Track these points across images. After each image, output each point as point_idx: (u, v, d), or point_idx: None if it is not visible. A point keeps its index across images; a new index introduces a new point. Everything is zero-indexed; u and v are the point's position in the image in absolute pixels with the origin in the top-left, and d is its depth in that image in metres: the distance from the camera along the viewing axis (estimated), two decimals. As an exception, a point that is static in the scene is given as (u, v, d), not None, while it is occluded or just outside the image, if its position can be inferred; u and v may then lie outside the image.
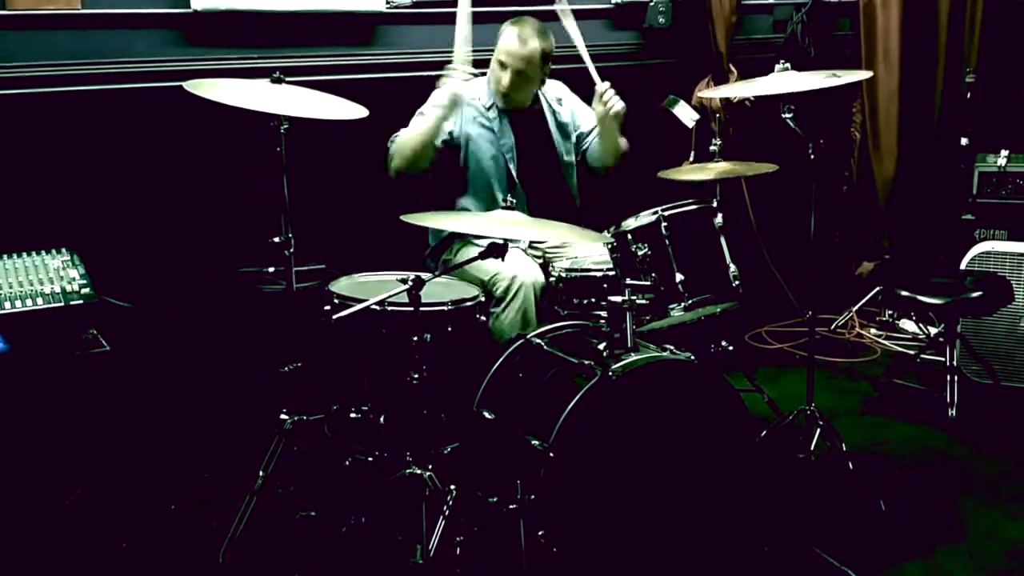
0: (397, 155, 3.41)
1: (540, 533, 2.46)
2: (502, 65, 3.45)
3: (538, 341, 2.89)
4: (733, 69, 4.69)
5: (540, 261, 3.48)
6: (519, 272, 3.22)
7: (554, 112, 3.66)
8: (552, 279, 3.22)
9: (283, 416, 2.93)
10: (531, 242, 3.56)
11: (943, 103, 4.94)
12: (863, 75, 3.51)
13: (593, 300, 3.12)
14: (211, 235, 3.59)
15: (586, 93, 3.61)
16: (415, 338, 2.65)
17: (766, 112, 4.23)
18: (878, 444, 3.70)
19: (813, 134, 3.16)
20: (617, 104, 3.38)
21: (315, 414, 2.96)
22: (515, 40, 3.43)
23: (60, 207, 3.32)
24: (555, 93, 3.68)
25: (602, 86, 3.38)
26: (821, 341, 4.57)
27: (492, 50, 3.57)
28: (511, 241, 3.43)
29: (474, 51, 3.98)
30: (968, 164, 4.61)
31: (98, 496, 2.71)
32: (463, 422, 2.86)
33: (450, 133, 3.46)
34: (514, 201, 2.67)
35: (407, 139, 3.39)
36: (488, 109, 3.52)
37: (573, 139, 3.69)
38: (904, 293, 3.89)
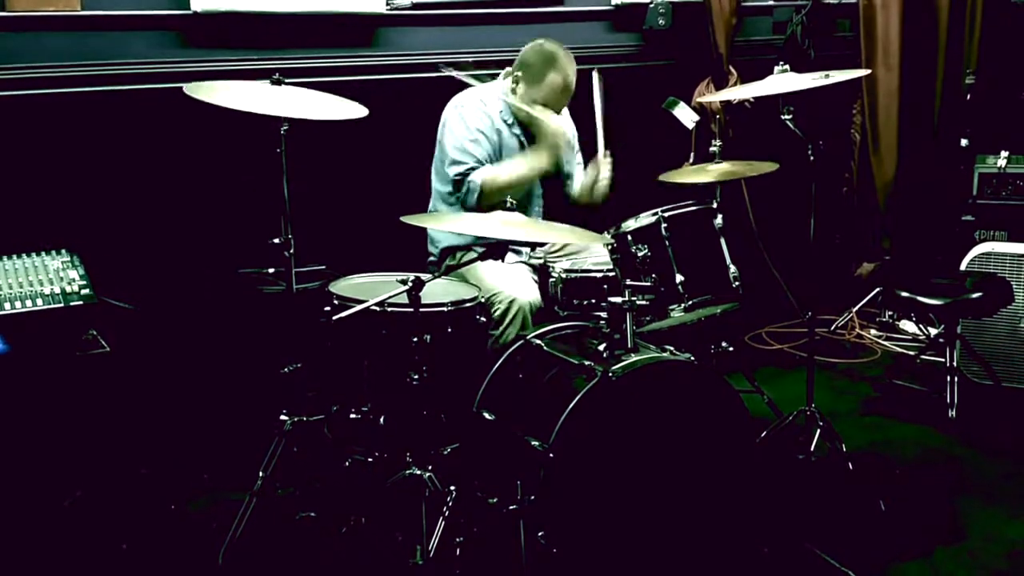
0: (492, 195, 3.33)
1: (540, 534, 2.46)
2: (546, 106, 3.42)
3: (538, 342, 2.89)
4: (733, 71, 4.69)
5: (541, 262, 3.49)
6: (518, 295, 3.22)
7: None
8: (551, 281, 3.23)
9: (283, 417, 2.94)
10: (533, 246, 3.56)
11: (943, 104, 4.94)
12: (854, 74, 3.48)
13: (593, 301, 3.12)
14: (211, 236, 3.59)
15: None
16: (415, 339, 2.65)
17: (766, 113, 4.24)
18: (878, 444, 3.70)
19: (813, 135, 3.16)
20: (603, 184, 3.55)
21: (315, 415, 2.96)
22: (564, 84, 3.42)
23: (60, 208, 3.32)
24: None
25: (605, 167, 3.51)
26: (821, 342, 4.57)
27: (498, 51, 3.56)
28: (514, 252, 3.47)
29: (479, 52, 4.00)
30: (968, 165, 4.61)
31: (98, 497, 2.71)
32: (463, 423, 2.86)
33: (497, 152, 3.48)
34: (515, 202, 2.67)
35: (505, 183, 3.35)
36: (512, 125, 3.51)
37: (573, 151, 3.71)
38: (904, 294, 3.89)
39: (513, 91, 3.48)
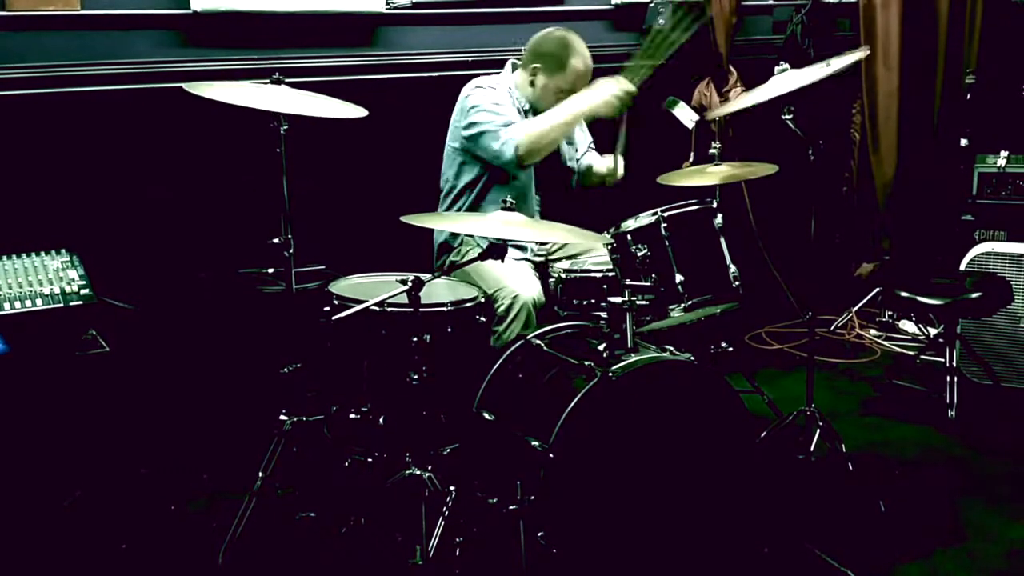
0: (539, 148, 3.32)
1: (540, 534, 2.46)
2: (565, 92, 3.40)
3: (538, 342, 2.89)
4: (733, 70, 4.69)
5: (543, 260, 3.49)
6: (521, 291, 3.22)
7: None
8: (552, 280, 3.23)
9: (283, 417, 2.94)
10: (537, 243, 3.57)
11: (943, 104, 4.94)
12: (854, 57, 3.38)
13: (593, 301, 3.12)
14: (211, 236, 3.59)
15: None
16: (414, 339, 2.65)
17: (766, 113, 4.24)
18: (878, 445, 3.70)
19: (813, 135, 3.16)
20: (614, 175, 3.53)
21: (315, 415, 2.96)
22: (585, 67, 3.42)
23: (60, 208, 3.32)
24: None
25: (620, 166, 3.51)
26: (821, 342, 4.57)
27: (498, 51, 3.56)
28: (518, 249, 3.46)
29: (479, 52, 4.01)
30: (968, 165, 4.61)
31: (98, 497, 2.71)
32: (463, 423, 2.86)
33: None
34: (514, 202, 2.67)
35: (549, 131, 3.32)
36: (527, 112, 3.49)
37: (575, 147, 3.71)
38: (904, 294, 3.89)
39: (531, 83, 3.46)
